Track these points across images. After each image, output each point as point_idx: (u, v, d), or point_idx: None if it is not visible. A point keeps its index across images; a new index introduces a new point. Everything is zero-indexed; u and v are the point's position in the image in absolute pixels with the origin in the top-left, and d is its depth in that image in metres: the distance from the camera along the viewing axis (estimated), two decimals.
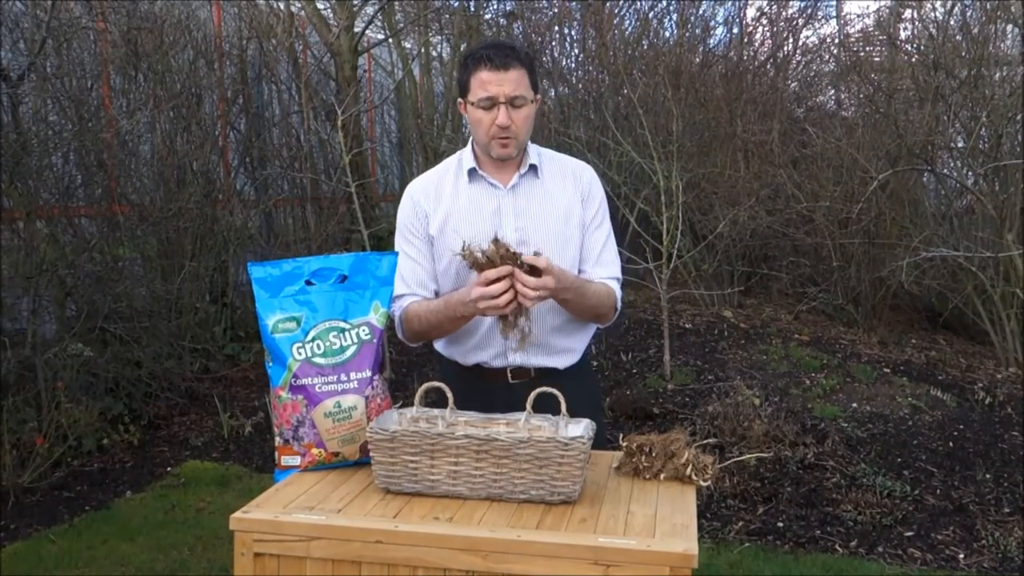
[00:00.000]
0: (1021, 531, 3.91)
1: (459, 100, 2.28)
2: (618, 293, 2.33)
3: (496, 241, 2.00)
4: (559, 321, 2.27)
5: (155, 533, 4.08)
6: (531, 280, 1.98)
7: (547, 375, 2.23)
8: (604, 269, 2.32)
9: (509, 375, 2.27)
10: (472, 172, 2.28)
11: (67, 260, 5.11)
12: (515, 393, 2.11)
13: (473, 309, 2.05)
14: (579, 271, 2.31)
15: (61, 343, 4.82)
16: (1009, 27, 6.47)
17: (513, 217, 2.25)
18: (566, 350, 2.32)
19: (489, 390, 2.24)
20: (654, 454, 1.94)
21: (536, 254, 2.03)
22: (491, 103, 2.16)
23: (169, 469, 4.85)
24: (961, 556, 3.81)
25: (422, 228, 2.29)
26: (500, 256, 1.98)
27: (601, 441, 2.14)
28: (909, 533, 3.97)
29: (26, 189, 4.92)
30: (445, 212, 2.27)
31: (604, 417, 2.45)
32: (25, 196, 4.90)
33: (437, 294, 2.30)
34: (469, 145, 2.32)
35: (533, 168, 2.29)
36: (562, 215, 2.28)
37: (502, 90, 2.15)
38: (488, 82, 2.15)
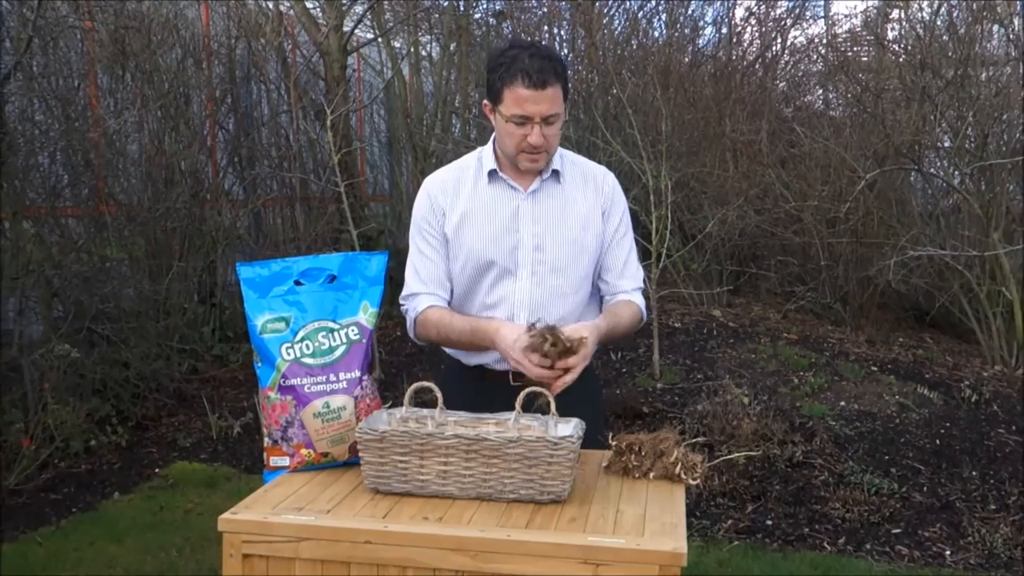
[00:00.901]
0: (1007, 528, 3.94)
1: (484, 102, 2.22)
2: (642, 305, 2.32)
3: (574, 344, 1.96)
4: None
5: (143, 535, 4.06)
6: (569, 378, 1.97)
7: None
8: (629, 281, 2.31)
9: (511, 378, 2.24)
10: (492, 173, 2.25)
11: (54, 260, 5.08)
12: (516, 394, 2.09)
13: (502, 352, 2.05)
14: (602, 280, 2.31)
15: (48, 344, 4.80)
16: (995, 27, 6.51)
17: (531, 223, 2.23)
18: None
19: (490, 390, 2.22)
20: (643, 453, 1.94)
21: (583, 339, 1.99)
22: (525, 121, 2.11)
23: (157, 470, 4.83)
24: (948, 553, 3.83)
25: (439, 225, 2.25)
26: (558, 349, 1.95)
27: (596, 447, 2.14)
28: (896, 530, 3.99)
29: (12, 189, 4.89)
30: (463, 211, 2.24)
31: (603, 424, 2.43)
32: (11, 196, 4.87)
33: (451, 295, 2.28)
34: (490, 145, 2.28)
35: (555, 173, 2.26)
36: (580, 223, 2.25)
37: (539, 110, 2.09)
38: (525, 100, 2.08)
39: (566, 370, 1.97)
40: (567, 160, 2.31)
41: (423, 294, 2.24)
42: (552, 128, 2.14)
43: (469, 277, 2.24)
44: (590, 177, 2.31)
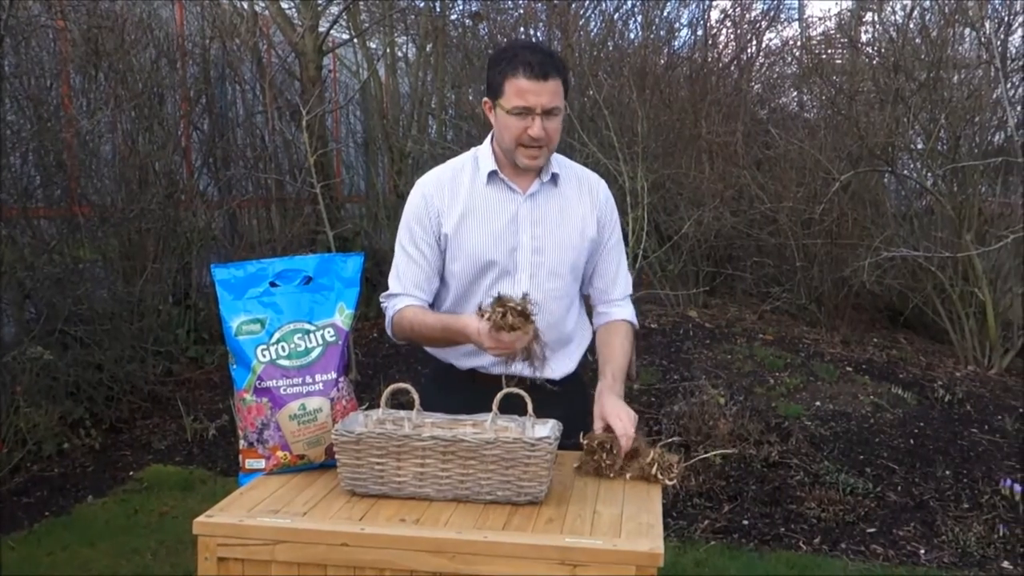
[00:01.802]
0: (980, 527, 3.98)
1: (484, 100, 2.22)
2: (632, 314, 2.37)
3: (525, 305, 1.92)
4: (552, 338, 2.20)
5: (117, 538, 4.02)
6: (627, 444, 1.96)
7: (540, 384, 2.18)
8: (619, 287, 2.37)
9: (504, 381, 2.21)
10: (492, 174, 2.24)
11: (26, 262, 5.02)
12: (507, 398, 2.07)
13: (477, 345, 2.02)
14: (593, 287, 2.36)
15: (20, 346, 4.74)
16: (967, 30, 6.58)
17: (530, 225, 2.23)
18: (560, 362, 2.29)
19: (484, 394, 2.17)
20: (615, 452, 1.95)
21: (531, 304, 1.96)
22: (527, 112, 2.12)
23: (131, 473, 4.79)
24: (922, 552, 3.86)
25: (432, 226, 2.23)
26: (524, 318, 1.90)
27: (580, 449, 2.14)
28: (871, 530, 4.02)
29: None
30: (461, 211, 2.22)
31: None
32: None
33: (435, 300, 2.28)
34: (487, 146, 2.27)
35: (554, 177, 2.26)
36: (577, 228, 2.27)
37: (540, 101, 2.10)
38: (527, 91, 2.09)
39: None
40: (560, 163, 2.32)
41: (401, 295, 2.24)
42: (552, 123, 2.15)
43: (469, 278, 2.23)
44: (584, 183, 2.33)
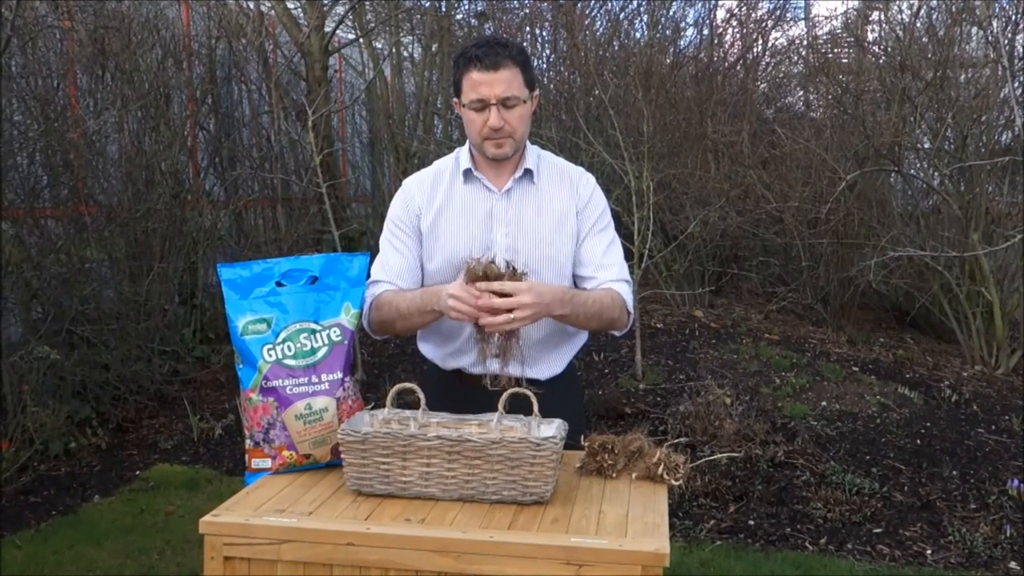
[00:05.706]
0: (987, 527, 3.97)
1: (454, 100, 2.25)
2: (627, 296, 2.24)
3: (492, 263, 1.95)
4: (541, 334, 2.22)
5: (123, 538, 4.03)
6: (498, 301, 1.93)
7: (525, 384, 2.14)
8: (608, 271, 2.24)
9: (488, 382, 2.21)
10: (468, 173, 2.25)
11: (33, 262, 5.04)
12: (494, 400, 2.07)
13: (444, 305, 2.00)
14: (580, 277, 2.26)
15: (27, 346, 4.76)
16: (974, 29, 6.56)
17: (504, 223, 2.22)
18: (546, 363, 2.27)
19: (468, 395, 2.19)
20: (616, 452, 1.95)
21: (523, 274, 1.98)
22: (482, 104, 2.13)
23: (138, 473, 4.80)
24: (928, 552, 3.85)
25: (412, 223, 2.26)
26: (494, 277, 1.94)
27: (579, 449, 2.13)
28: (878, 530, 4.01)
29: None
30: (437, 210, 2.24)
31: (586, 426, 2.40)
32: None
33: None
34: (467, 144, 2.28)
35: (529, 172, 2.25)
36: (554, 223, 2.23)
37: (493, 91, 2.11)
38: (479, 83, 2.12)
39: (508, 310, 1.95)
40: (545, 160, 2.31)
41: (382, 282, 2.24)
42: (513, 112, 2.14)
43: (445, 277, 2.22)
44: (567, 178, 2.30)
